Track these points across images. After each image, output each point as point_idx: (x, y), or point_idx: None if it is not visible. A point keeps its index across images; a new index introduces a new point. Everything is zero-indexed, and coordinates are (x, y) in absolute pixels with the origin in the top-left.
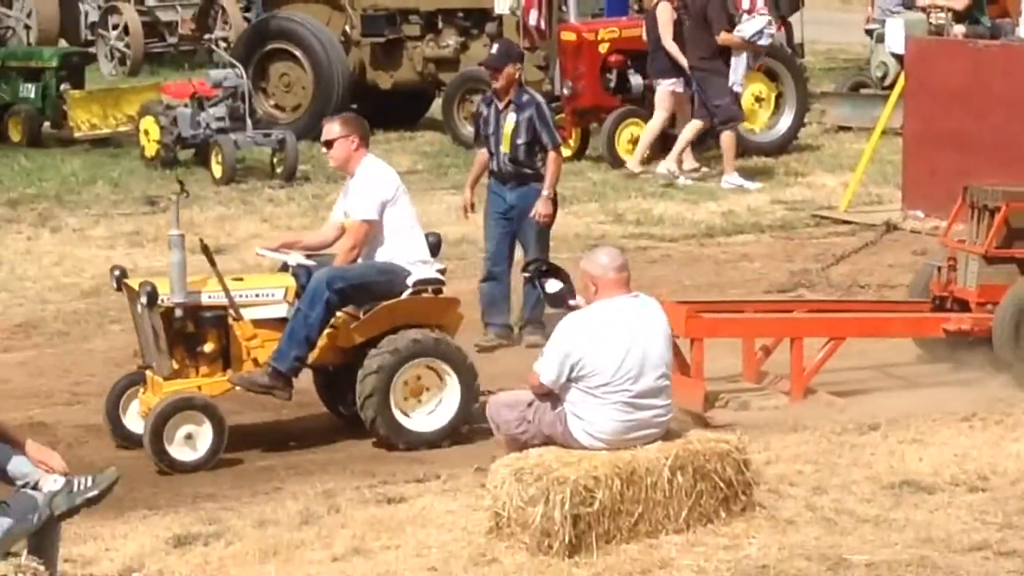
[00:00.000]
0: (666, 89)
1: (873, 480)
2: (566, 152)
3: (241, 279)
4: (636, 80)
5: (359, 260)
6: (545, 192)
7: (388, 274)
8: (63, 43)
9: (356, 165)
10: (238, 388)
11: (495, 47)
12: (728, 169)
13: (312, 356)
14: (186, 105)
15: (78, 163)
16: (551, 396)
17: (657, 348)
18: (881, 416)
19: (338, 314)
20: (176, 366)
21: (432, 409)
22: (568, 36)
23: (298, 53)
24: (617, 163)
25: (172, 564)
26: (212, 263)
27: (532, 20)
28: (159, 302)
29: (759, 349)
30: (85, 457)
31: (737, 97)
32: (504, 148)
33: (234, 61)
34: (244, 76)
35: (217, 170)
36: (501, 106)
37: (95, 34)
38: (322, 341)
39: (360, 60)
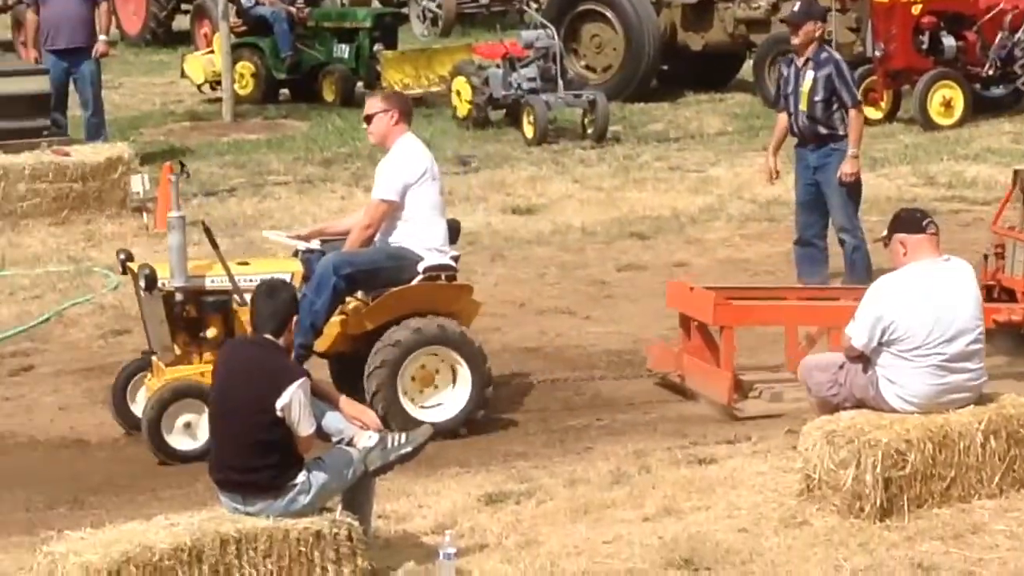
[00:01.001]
0: None
1: None
2: (877, 114)
3: (247, 263)
4: (949, 42)
5: (375, 242)
6: (851, 151)
7: (398, 260)
8: (376, 4)
9: (393, 141)
10: None
11: (797, 4)
12: None
13: (323, 345)
14: (498, 66)
15: None
16: (863, 359)
17: (968, 311)
18: None
19: (348, 301)
20: (179, 352)
21: (445, 397)
22: None
23: (609, 14)
24: (929, 125)
25: (484, 522)
26: (214, 246)
27: None
28: (159, 286)
29: (803, 339)
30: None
31: None
32: (802, 106)
33: (545, 22)
34: (555, 37)
35: (528, 130)
36: (800, 64)
37: None
38: (332, 329)
39: (671, 21)
